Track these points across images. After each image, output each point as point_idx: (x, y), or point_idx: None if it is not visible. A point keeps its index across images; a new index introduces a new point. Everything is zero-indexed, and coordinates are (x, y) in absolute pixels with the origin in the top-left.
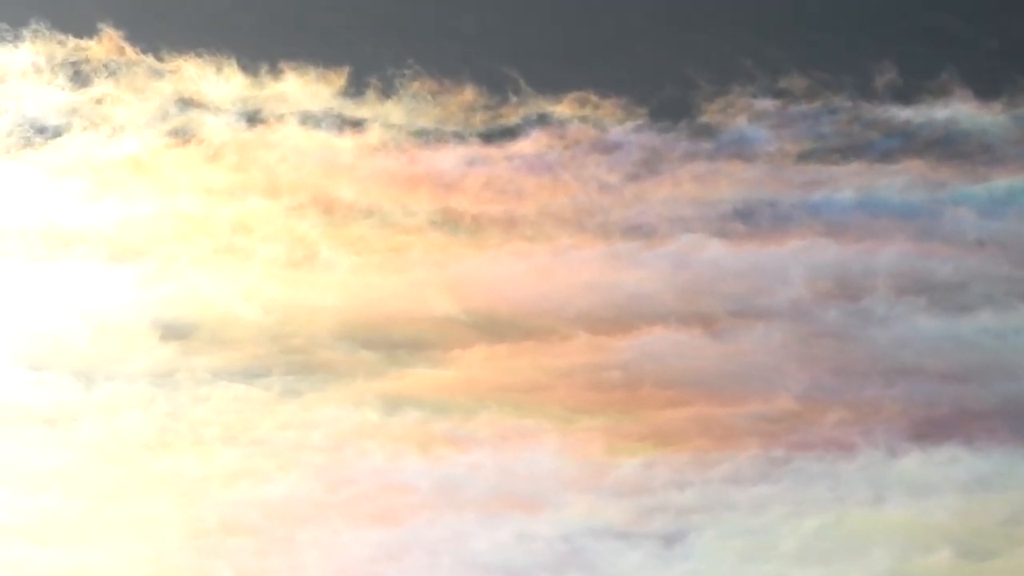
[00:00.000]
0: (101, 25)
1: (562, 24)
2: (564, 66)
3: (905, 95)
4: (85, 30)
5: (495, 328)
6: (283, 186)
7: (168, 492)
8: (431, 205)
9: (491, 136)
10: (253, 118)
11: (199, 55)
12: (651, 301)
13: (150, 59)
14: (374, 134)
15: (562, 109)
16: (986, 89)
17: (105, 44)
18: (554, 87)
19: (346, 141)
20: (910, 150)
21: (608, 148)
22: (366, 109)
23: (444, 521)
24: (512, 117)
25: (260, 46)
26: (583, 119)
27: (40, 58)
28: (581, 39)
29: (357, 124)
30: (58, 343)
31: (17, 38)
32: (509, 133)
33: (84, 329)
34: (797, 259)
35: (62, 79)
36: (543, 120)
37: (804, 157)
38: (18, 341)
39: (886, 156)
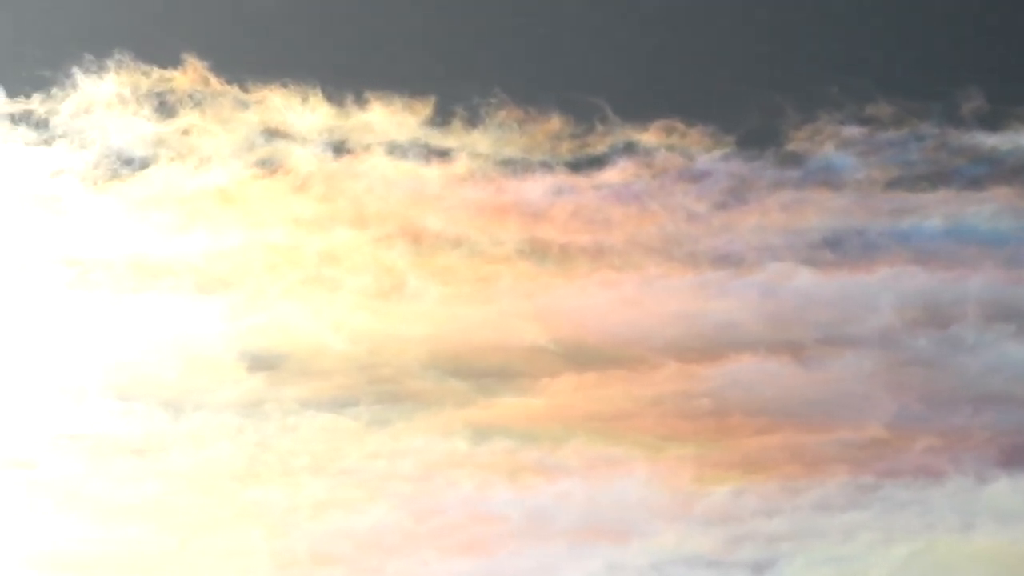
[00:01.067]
0: (185, 56)
1: (649, 53)
2: (651, 95)
3: (992, 122)
4: (169, 61)
5: (583, 357)
6: (370, 216)
7: (257, 523)
8: (519, 235)
9: (578, 165)
10: (339, 148)
11: (284, 85)
12: (739, 329)
13: (235, 89)
14: (461, 164)
15: (649, 138)
16: None
17: (190, 75)
18: (641, 116)
19: (433, 171)
20: (998, 177)
21: (695, 177)
22: (452, 139)
23: (533, 551)
24: (599, 146)
25: (345, 76)
26: (670, 148)
27: (125, 89)
28: (668, 68)
29: (444, 154)
30: (146, 374)
31: (102, 69)
32: (596, 162)
33: (172, 360)
34: (885, 287)
35: (147, 110)
36: (630, 149)
37: (892, 185)
38: (106, 372)
39: (974, 183)
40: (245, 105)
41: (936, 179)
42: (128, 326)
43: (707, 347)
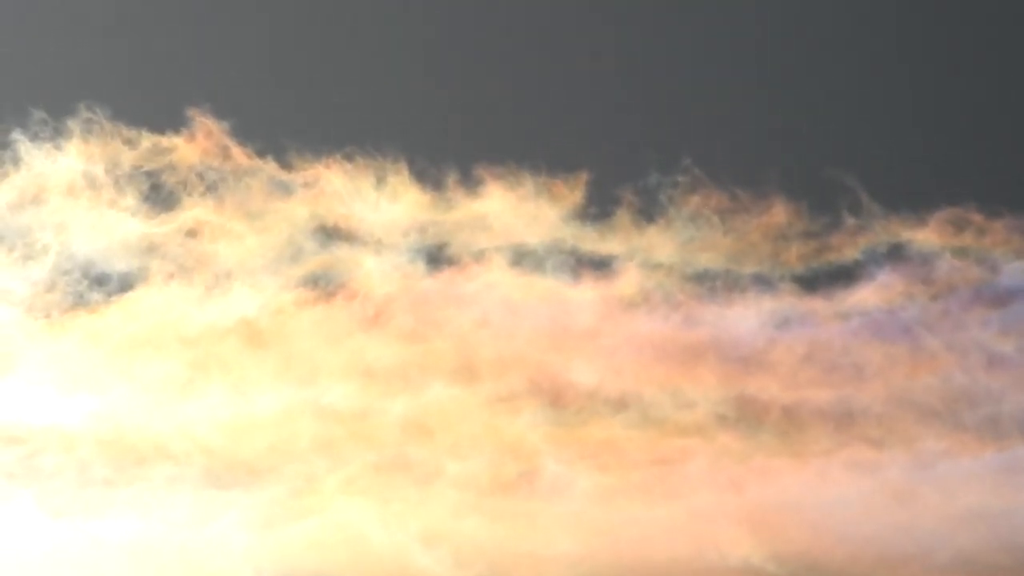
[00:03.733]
0: (191, 112)
1: (923, 110)
2: (928, 170)
3: None
4: (167, 120)
5: None
6: (485, 364)
7: None
8: (720, 392)
9: (815, 281)
10: (436, 256)
11: (348, 158)
12: None
13: (271, 165)
14: (629, 279)
15: (927, 236)
16: None
17: (199, 142)
18: (913, 201)
19: (584, 291)
20: None
21: (1000, 298)
22: (616, 239)
23: None
24: (848, 250)
25: (446, 143)
26: (960, 252)
27: (96, 166)
28: (953, 131)
29: (601, 264)
30: None
31: (59, 134)
32: (843, 276)
33: None
34: None
35: (131, 198)
36: (897, 254)
37: None
38: None
39: None
40: (287, 189)
41: None
42: (99, 544)
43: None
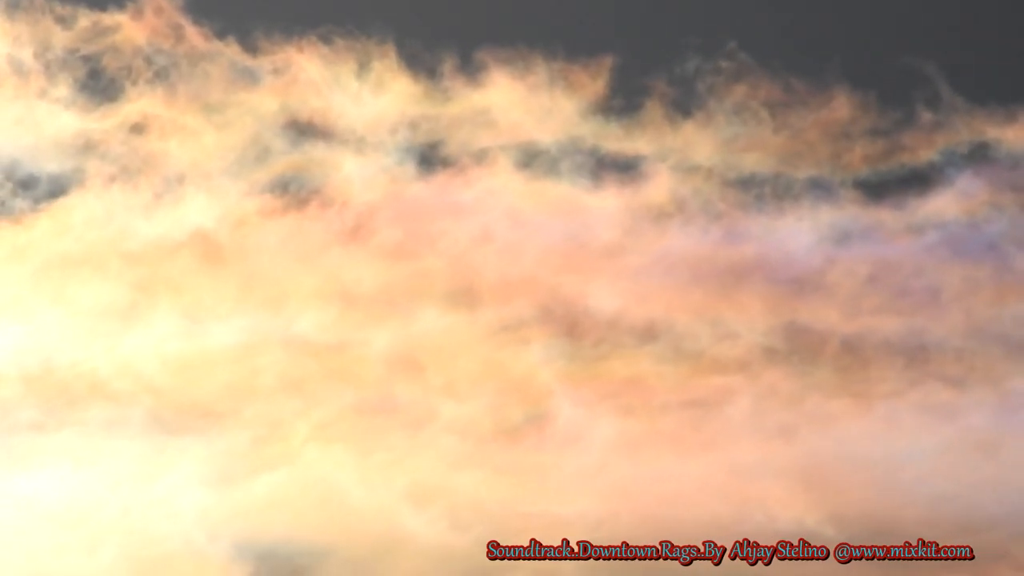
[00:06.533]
0: None
1: None
2: (1020, 54)
3: None
4: None
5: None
6: (486, 287)
7: None
8: (768, 320)
9: (883, 187)
10: (429, 158)
11: (325, 39)
12: None
13: (233, 47)
14: (659, 185)
15: (1017, 134)
16: None
17: (147, 20)
18: (1001, 93)
19: (606, 199)
20: None
21: None
22: (643, 137)
23: None
24: (923, 150)
25: (442, 20)
26: None
27: (23, 49)
28: None
29: (626, 166)
30: None
31: None
32: (917, 181)
33: (114, 561)
34: None
35: (65, 87)
36: (981, 155)
37: None
38: None
39: None
40: (252, 76)
41: None
42: (23, 501)
43: None
